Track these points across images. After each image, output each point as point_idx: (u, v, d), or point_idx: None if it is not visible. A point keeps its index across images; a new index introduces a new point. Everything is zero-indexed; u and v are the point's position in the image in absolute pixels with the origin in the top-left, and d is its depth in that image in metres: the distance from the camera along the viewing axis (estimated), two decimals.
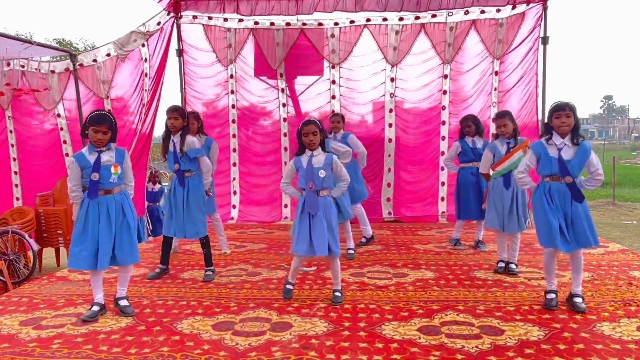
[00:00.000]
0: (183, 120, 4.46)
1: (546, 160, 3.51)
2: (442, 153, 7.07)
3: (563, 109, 3.42)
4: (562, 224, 3.46)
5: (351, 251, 5.18)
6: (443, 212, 7.18)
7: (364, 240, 5.71)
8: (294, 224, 3.89)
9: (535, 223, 3.67)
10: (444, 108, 7.04)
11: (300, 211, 3.80)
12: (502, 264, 4.53)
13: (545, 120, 3.69)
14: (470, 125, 5.16)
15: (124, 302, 3.69)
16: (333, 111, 7.10)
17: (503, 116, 4.50)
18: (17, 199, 7.59)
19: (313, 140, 3.73)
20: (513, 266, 4.47)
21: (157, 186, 7.67)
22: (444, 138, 7.11)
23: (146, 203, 7.22)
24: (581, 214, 3.45)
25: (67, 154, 7.53)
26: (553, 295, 3.62)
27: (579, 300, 3.54)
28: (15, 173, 7.57)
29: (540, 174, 3.61)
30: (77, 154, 3.61)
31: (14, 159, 7.55)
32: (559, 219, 3.46)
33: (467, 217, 5.32)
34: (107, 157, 3.54)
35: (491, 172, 4.53)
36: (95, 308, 3.61)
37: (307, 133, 3.72)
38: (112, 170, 3.53)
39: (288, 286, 3.92)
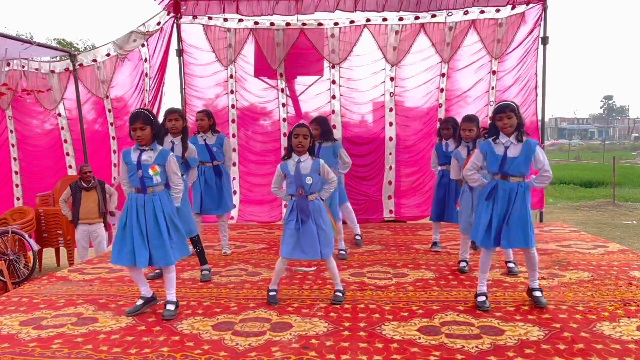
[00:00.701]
0: (183, 121, 4.44)
1: (492, 158, 3.58)
2: None
3: (504, 111, 3.50)
4: (496, 222, 3.53)
5: (342, 252, 5.18)
6: None
7: (358, 237, 5.75)
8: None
9: (474, 217, 3.79)
10: (440, 106, 7.06)
11: (288, 214, 3.80)
12: (463, 264, 4.59)
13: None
14: (449, 128, 5.15)
15: (168, 306, 3.59)
16: (333, 111, 7.10)
17: (471, 121, 4.51)
18: (18, 198, 7.60)
19: (302, 143, 3.71)
20: (511, 265, 4.49)
21: None
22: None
23: None
24: (517, 215, 3.51)
25: (67, 154, 7.54)
26: (484, 298, 3.64)
27: (538, 293, 3.63)
28: (16, 173, 7.58)
29: (488, 171, 3.67)
30: (125, 149, 3.61)
31: (15, 159, 7.56)
32: (493, 217, 3.54)
33: (434, 219, 5.42)
34: (146, 156, 3.51)
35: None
36: (139, 302, 3.64)
37: (297, 134, 3.71)
38: (150, 171, 3.50)
39: (271, 293, 3.86)
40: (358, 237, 5.51)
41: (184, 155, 4.38)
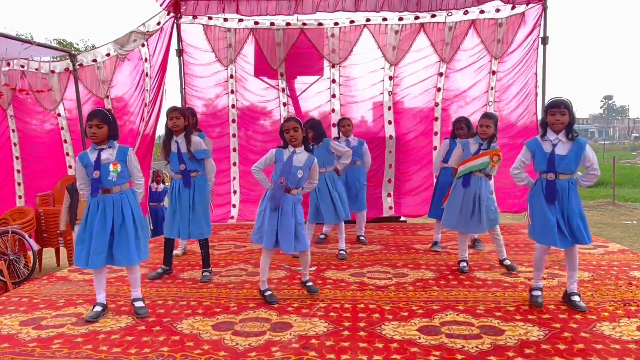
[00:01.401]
0: (185, 119, 4.43)
1: (541, 156, 3.53)
2: (435, 148, 7.11)
3: (558, 107, 3.44)
4: (560, 220, 3.47)
5: (342, 252, 5.18)
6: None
7: (322, 236, 5.88)
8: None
9: (531, 219, 3.68)
10: (437, 105, 7.06)
11: (265, 202, 3.82)
12: (464, 264, 4.57)
13: (540, 117, 3.71)
14: (463, 127, 5.15)
15: (137, 304, 3.65)
16: (333, 110, 7.12)
17: (490, 117, 4.47)
18: (20, 197, 7.66)
19: (294, 136, 3.74)
20: (507, 262, 4.51)
21: (161, 186, 7.68)
22: (436, 134, 7.14)
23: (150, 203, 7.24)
24: (575, 211, 3.47)
25: (67, 154, 7.55)
26: (539, 292, 3.64)
27: (576, 298, 3.56)
28: (18, 171, 7.63)
29: (537, 170, 3.62)
30: (81, 153, 3.60)
31: (17, 158, 7.60)
32: (556, 215, 3.47)
33: (432, 216, 5.47)
34: (106, 154, 3.51)
35: (459, 169, 4.53)
36: (98, 308, 3.59)
37: (287, 129, 3.74)
38: (111, 167, 3.48)
39: (267, 293, 3.87)
40: (343, 252, 5.25)
41: (190, 152, 4.37)
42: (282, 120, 7.31)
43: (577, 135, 3.47)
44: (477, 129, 4.53)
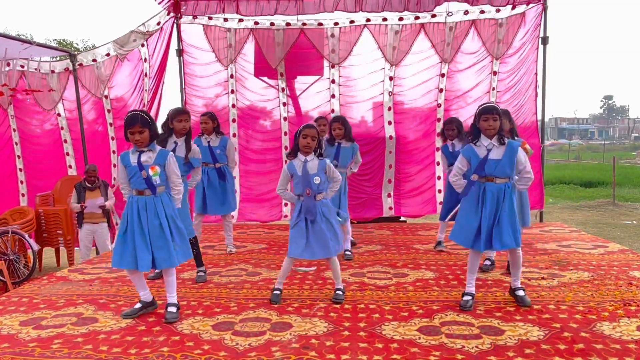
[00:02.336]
0: (190, 124, 4.46)
1: (476, 162, 3.57)
2: (438, 149, 7.11)
3: (490, 112, 3.49)
4: (487, 224, 3.52)
5: (348, 252, 5.18)
6: (441, 202, 7.20)
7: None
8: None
9: (456, 220, 3.78)
10: (439, 106, 7.05)
11: (296, 215, 3.79)
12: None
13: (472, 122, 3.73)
14: (453, 129, 5.13)
15: (170, 309, 3.54)
16: (333, 110, 7.11)
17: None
18: (23, 195, 7.74)
19: (310, 144, 3.70)
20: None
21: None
22: (438, 135, 7.14)
23: None
24: (507, 216, 3.52)
25: (67, 153, 7.56)
26: (469, 298, 3.66)
27: (521, 292, 3.65)
28: (20, 170, 7.68)
29: (476, 174, 3.62)
30: (123, 152, 3.57)
31: (19, 157, 7.65)
32: (482, 220, 3.53)
33: (443, 219, 5.39)
34: (145, 157, 3.48)
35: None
36: (137, 305, 3.60)
37: (306, 135, 3.69)
38: (150, 171, 3.46)
39: (276, 292, 3.86)
40: (348, 253, 5.24)
41: (187, 156, 4.38)
42: (282, 120, 7.35)
43: (509, 139, 3.54)
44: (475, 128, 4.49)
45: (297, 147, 3.76)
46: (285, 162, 3.89)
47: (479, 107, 3.61)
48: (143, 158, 3.47)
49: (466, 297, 3.67)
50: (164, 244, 3.47)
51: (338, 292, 3.85)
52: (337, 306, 3.70)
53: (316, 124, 5.38)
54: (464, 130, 5.13)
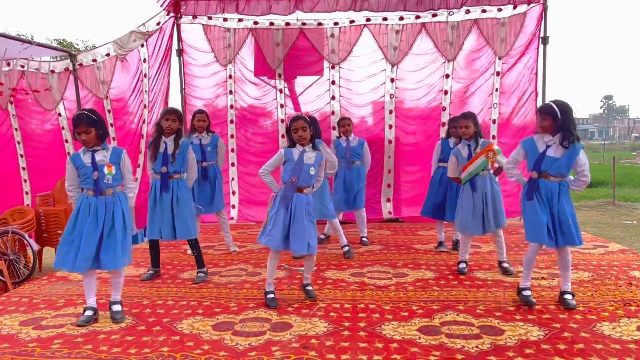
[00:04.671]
0: (179, 123, 4.42)
1: (533, 156, 3.55)
2: None
3: (540, 111, 3.54)
4: (549, 220, 3.50)
5: (346, 248, 5.19)
6: None
7: (322, 236, 5.83)
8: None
9: (523, 218, 3.71)
10: (444, 109, 7.02)
11: (277, 204, 3.76)
12: (463, 265, 4.55)
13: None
14: (457, 127, 5.13)
15: (115, 307, 3.58)
16: (333, 112, 7.11)
17: (467, 117, 4.45)
18: (27, 193, 7.78)
19: (303, 136, 3.71)
20: (506, 265, 4.50)
21: None
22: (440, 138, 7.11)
23: None
24: (567, 213, 3.49)
25: (68, 153, 7.56)
26: (529, 292, 3.67)
27: (568, 297, 3.60)
28: (23, 169, 7.71)
29: (530, 169, 3.63)
30: (73, 154, 3.56)
31: (21, 156, 7.70)
32: (546, 215, 3.50)
33: (426, 214, 5.46)
34: (100, 156, 3.46)
35: (462, 176, 4.49)
36: (89, 312, 3.53)
37: (296, 129, 3.70)
38: (106, 170, 3.44)
39: (269, 295, 3.82)
40: (347, 248, 5.33)
41: (174, 155, 4.36)
42: (279, 122, 7.33)
43: (574, 141, 3.45)
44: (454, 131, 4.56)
45: (293, 142, 3.77)
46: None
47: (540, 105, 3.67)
48: (98, 157, 3.44)
49: (526, 292, 3.66)
50: (113, 246, 3.44)
51: (308, 287, 3.92)
52: (337, 306, 3.70)
53: (341, 124, 5.68)
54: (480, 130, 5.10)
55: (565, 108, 3.44)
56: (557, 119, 3.43)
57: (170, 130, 4.38)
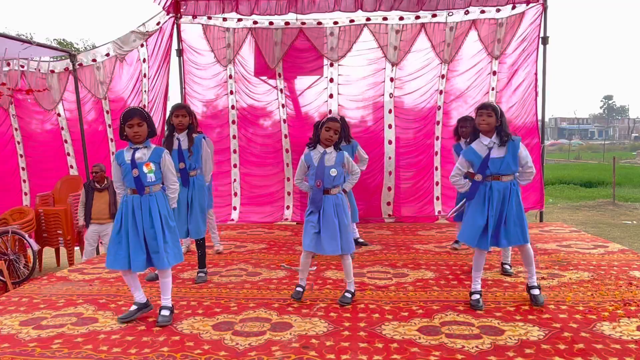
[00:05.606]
0: (190, 118, 4.37)
1: (479, 161, 3.58)
2: (436, 153, 7.10)
3: (485, 108, 3.53)
4: (493, 222, 3.54)
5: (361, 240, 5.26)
6: (439, 211, 7.20)
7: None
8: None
9: (463, 220, 3.78)
10: (439, 108, 7.04)
11: (308, 208, 3.80)
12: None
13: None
14: (467, 127, 5.10)
15: (163, 312, 3.46)
16: (330, 111, 7.09)
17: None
18: (26, 193, 7.77)
19: (332, 138, 3.68)
20: (507, 267, 4.45)
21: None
22: (438, 138, 7.12)
23: None
24: (514, 214, 3.54)
25: (68, 154, 7.56)
26: (478, 296, 3.66)
27: (536, 291, 3.64)
28: (23, 169, 7.71)
29: (481, 174, 3.61)
30: (118, 151, 3.51)
31: (21, 156, 7.69)
32: (489, 218, 3.54)
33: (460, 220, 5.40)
34: (139, 154, 3.39)
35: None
36: (132, 308, 3.53)
37: (329, 128, 3.66)
38: (145, 168, 3.37)
39: (298, 288, 3.86)
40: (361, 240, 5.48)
41: (190, 150, 4.32)
42: (282, 122, 7.33)
43: (510, 137, 3.52)
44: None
45: (318, 139, 3.73)
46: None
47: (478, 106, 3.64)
48: (137, 155, 3.38)
49: (475, 297, 3.65)
50: (157, 245, 3.39)
51: (347, 294, 3.78)
52: (337, 306, 3.70)
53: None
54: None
55: (502, 111, 3.58)
56: (497, 119, 3.51)
57: (181, 126, 4.33)
